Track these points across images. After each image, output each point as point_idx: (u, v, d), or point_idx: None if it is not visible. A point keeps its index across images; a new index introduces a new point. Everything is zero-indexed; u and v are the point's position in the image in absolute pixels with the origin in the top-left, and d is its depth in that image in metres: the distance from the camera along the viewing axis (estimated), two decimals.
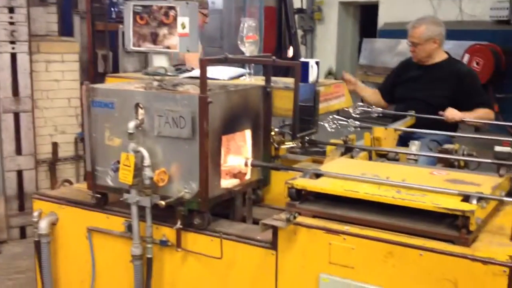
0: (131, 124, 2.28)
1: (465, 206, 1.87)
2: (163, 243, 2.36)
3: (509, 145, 2.81)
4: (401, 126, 3.48)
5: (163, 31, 3.02)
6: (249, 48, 2.79)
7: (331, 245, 2.01)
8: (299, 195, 2.18)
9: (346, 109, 3.56)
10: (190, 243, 2.33)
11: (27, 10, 4.30)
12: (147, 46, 3.05)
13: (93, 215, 2.57)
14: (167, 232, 2.36)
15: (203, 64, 2.17)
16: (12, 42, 4.28)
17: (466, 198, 1.93)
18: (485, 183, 2.13)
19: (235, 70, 2.94)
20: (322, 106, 2.67)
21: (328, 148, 2.78)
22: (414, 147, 3.06)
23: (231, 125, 2.37)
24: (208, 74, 2.89)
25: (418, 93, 3.75)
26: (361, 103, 3.64)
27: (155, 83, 2.59)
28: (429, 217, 1.96)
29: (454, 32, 10.06)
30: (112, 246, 2.53)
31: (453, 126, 3.78)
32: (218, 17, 13.24)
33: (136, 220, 2.35)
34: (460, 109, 3.58)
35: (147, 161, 2.27)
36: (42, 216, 2.67)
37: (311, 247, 2.06)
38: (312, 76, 2.63)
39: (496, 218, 2.11)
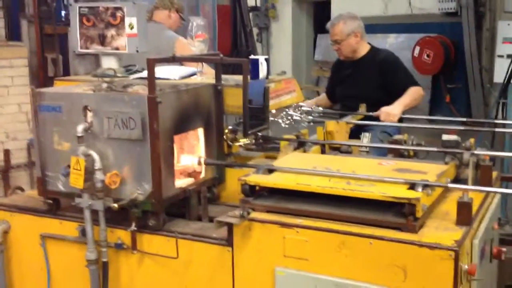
0: (80, 128, 2.26)
1: (411, 194, 1.93)
2: (119, 246, 2.35)
3: (455, 134, 2.92)
4: (353, 119, 3.55)
5: (111, 32, 2.99)
6: (198, 47, 2.80)
7: (285, 238, 2.04)
8: (252, 191, 2.21)
9: (276, 119, 3.59)
10: (146, 244, 2.32)
11: None
12: (95, 48, 3.02)
13: (45, 222, 2.52)
14: (122, 235, 2.34)
15: (150, 63, 2.16)
16: None
17: (412, 186, 1.99)
18: (431, 171, 2.20)
19: (186, 70, 2.94)
20: (274, 102, 2.70)
21: (282, 143, 2.80)
22: (366, 139, 3.14)
23: (182, 124, 2.37)
24: (159, 74, 2.92)
25: (353, 91, 3.83)
26: (302, 104, 3.68)
27: (104, 85, 2.57)
28: (379, 206, 2.01)
29: (405, 25, 10.35)
30: (67, 251, 2.49)
31: (399, 120, 3.87)
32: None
33: (90, 224, 2.32)
34: (393, 96, 3.66)
35: (98, 164, 2.24)
36: None
37: (265, 241, 2.09)
38: (262, 73, 2.66)
39: (442, 204, 2.18)
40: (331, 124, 3.12)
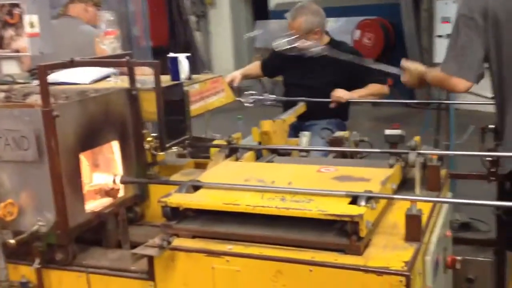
0: None
1: (353, 210, 1.68)
2: (24, 285, 2.01)
3: (399, 127, 2.71)
4: (292, 115, 3.30)
5: (9, 32, 2.61)
6: (110, 46, 2.46)
7: (214, 269, 1.76)
8: (176, 213, 1.91)
9: (238, 99, 3.35)
10: (55, 282, 1.99)
11: None
12: None
13: None
14: (27, 273, 2.00)
15: (41, 71, 1.81)
16: None
17: (355, 199, 1.74)
18: (375, 177, 1.96)
19: (99, 72, 2.58)
20: (199, 105, 2.40)
21: (212, 150, 2.51)
22: (305, 138, 2.88)
23: (91, 139, 2.04)
24: (68, 78, 2.56)
25: (304, 80, 3.58)
26: (253, 92, 3.43)
27: (1, 95, 2.20)
28: (320, 224, 1.75)
29: (343, 8, 10.20)
30: None
31: (344, 112, 3.66)
32: (108, 6, 12.53)
33: None
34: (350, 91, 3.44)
35: None
36: None
37: (192, 273, 1.80)
38: (183, 73, 2.36)
39: (389, 214, 1.94)
40: (267, 124, 2.84)
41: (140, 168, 2.28)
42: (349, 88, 3.47)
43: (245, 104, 3.21)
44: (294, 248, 1.72)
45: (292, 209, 1.74)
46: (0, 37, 2.59)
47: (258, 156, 2.59)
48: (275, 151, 2.63)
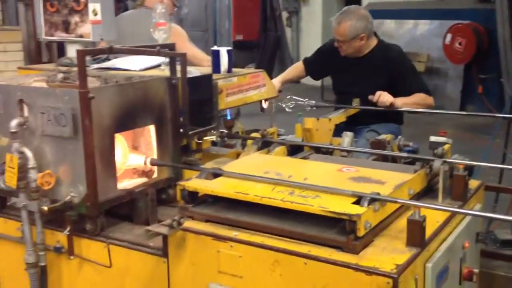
0: (13, 123, 2.11)
1: (352, 209, 1.70)
2: (57, 250, 2.20)
3: (446, 135, 2.65)
4: (341, 115, 3.31)
5: (75, 18, 2.83)
6: (161, 36, 2.60)
7: (219, 252, 1.85)
8: (194, 198, 2.02)
9: (280, 104, 3.40)
10: (84, 249, 2.17)
11: None
12: (59, 35, 2.88)
13: None
14: (62, 238, 2.20)
15: (79, 55, 1.98)
16: None
17: (359, 199, 1.76)
18: (391, 181, 1.96)
19: (151, 60, 2.75)
20: (237, 98, 2.49)
21: (249, 141, 2.60)
22: (347, 138, 2.88)
23: (126, 121, 2.19)
24: (121, 65, 2.75)
25: (353, 88, 3.51)
26: (295, 97, 3.45)
27: (60, 76, 2.41)
28: (325, 221, 1.79)
29: (436, 11, 9.86)
30: (12, 252, 2.37)
31: (397, 116, 3.58)
32: (200, 0, 12.96)
33: (27, 225, 2.18)
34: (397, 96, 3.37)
35: (31, 163, 2.09)
36: None
37: (200, 254, 1.90)
38: (223, 66, 2.46)
39: (402, 219, 1.93)
40: (309, 121, 2.90)
41: (175, 153, 2.41)
42: (395, 95, 3.40)
43: (286, 109, 3.24)
44: (294, 240, 1.77)
45: (295, 203, 1.79)
46: (67, 22, 2.82)
47: (297, 152, 2.63)
48: (318, 149, 2.66)
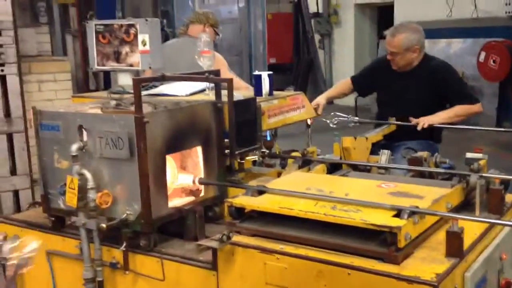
0: (74, 147, 2.29)
1: (393, 222, 1.80)
2: (113, 266, 2.35)
3: (482, 151, 2.72)
4: (378, 133, 3.41)
5: (125, 49, 3.03)
6: (206, 63, 2.77)
7: (266, 264, 1.97)
8: (240, 213, 2.15)
9: (324, 120, 3.53)
10: (139, 265, 2.31)
11: (14, 32, 4.38)
12: (110, 65, 3.08)
13: (51, 238, 2.58)
14: (117, 254, 2.35)
15: (135, 83, 2.15)
16: (1, 65, 4.37)
17: (399, 212, 1.86)
18: (429, 195, 2.05)
19: (197, 86, 2.92)
20: (278, 119, 2.63)
21: (289, 161, 2.72)
22: (384, 156, 2.99)
23: (176, 143, 2.35)
24: (167, 91, 2.92)
25: (399, 100, 3.62)
26: (338, 113, 3.58)
27: (113, 102, 2.59)
28: (365, 233, 1.89)
29: (469, 30, 9.88)
30: (70, 268, 2.53)
31: (436, 134, 3.65)
32: (235, 25, 13.29)
33: (86, 243, 2.34)
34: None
35: (90, 183, 2.26)
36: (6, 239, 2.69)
37: (248, 267, 2.02)
38: (265, 89, 2.60)
39: (441, 231, 2.01)
40: (347, 141, 3.01)
41: (220, 172, 2.55)
42: (441, 107, 3.48)
43: (330, 125, 3.38)
44: (337, 252, 1.87)
45: (338, 217, 1.90)
46: (118, 52, 3.02)
47: (336, 170, 2.75)
48: (355, 166, 2.77)
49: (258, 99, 2.55)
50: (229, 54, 12.24)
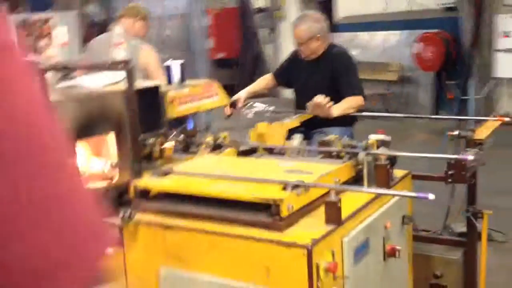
0: None
1: (277, 195, 1.97)
2: None
3: (384, 133, 2.92)
4: (295, 120, 3.59)
5: (44, 41, 3.12)
6: (119, 54, 2.88)
7: (166, 239, 2.11)
8: (145, 194, 2.28)
9: (243, 111, 3.69)
10: None
11: None
12: (29, 58, 3.15)
13: None
14: None
15: (40, 72, 2.25)
16: None
17: (285, 186, 2.03)
18: (319, 171, 2.23)
19: (111, 77, 3.02)
20: (189, 106, 2.77)
21: (203, 145, 2.86)
22: (296, 140, 3.16)
23: (87, 130, 2.45)
24: (84, 82, 3.02)
25: (306, 90, 3.84)
26: (256, 104, 3.74)
27: None
28: (258, 207, 2.05)
29: (405, 22, 10.25)
30: None
31: (346, 120, 3.86)
32: (182, 21, 13.31)
33: None
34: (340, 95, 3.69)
35: None
36: None
37: (151, 242, 2.15)
38: (175, 78, 2.74)
39: None
40: (262, 126, 3.17)
41: (134, 158, 2.67)
42: (336, 93, 3.69)
43: (247, 116, 3.54)
44: (229, 224, 2.03)
45: (230, 193, 2.05)
46: (35, 46, 3.10)
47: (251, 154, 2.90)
48: (269, 151, 2.94)
49: (169, 87, 2.68)
50: (177, 49, 12.30)
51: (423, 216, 3.14)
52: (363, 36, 10.87)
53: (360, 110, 3.84)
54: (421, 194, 1.83)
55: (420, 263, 2.70)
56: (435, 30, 9.67)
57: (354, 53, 10.13)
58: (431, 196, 1.65)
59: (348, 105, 3.69)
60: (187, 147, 3.09)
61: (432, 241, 2.85)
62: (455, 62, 9.55)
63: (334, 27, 12.15)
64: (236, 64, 13.75)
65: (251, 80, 13.22)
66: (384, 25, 10.50)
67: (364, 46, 10.69)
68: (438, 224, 3.46)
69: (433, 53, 9.58)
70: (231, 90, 5.06)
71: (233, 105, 3.86)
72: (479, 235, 2.75)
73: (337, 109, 3.61)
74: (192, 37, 11.33)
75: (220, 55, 13.80)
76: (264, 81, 4.27)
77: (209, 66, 11.63)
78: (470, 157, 2.31)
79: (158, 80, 3.34)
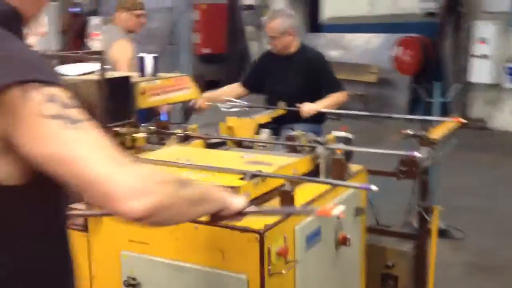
0: None
1: (235, 183, 2.08)
2: None
3: (347, 130, 3.06)
4: (265, 116, 3.71)
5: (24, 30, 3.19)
6: (95, 44, 2.98)
7: (128, 226, 2.20)
8: None
9: (218, 105, 3.81)
10: None
11: None
12: None
13: None
14: None
15: None
16: None
17: (244, 176, 2.15)
18: (278, 163, 2.36)
19: (89, 67, 3.11)
20: (161, 98, 2.87)
21: (173, 136, 2.97)
22: (264, 135, 3.29)
23: None
24: (64, 72, 3.10)
25: (279, 86, 3.98)
26: (232, 99, 3.86)
27: None
28: None
29: (387, 25, 10.42)
30: None
31: (319, 117, 4.00)
32: (169, 14, 13.34)
33: None
34: (317, 96, 3.82)
35: None
36: None
37: (113, 227, 2.25)
38: (147, 70, 2.84)
39: None
40: (231, 120, 3.28)
41: None
42: (316, 93, 3.84)
43: (222, 109, 3.65)
44: None
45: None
46: None
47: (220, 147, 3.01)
48: (239, 144, 3.05)
49: (140, 79, 2.78)
50: (163, 42, 12.31)
51: (388, 213, 3.28)
52: (347, 37, 11.03)
53: (340, 107, 4.01)
54: (364, 185, 1.97)
55: (373, 253, 2.84)
56: (415, 35, 9.86)
57: (336, 53, 10.41)
58: (374, 187, 1.78)
59: (333, 101, 3.84)
60: (162, 139, 3.20)
61: (386, 234, 2.98)
62: (433, 67, 9.74)
63: (319, 27, 12.34)
64: (222, 60, 13.84)
65: (237, 76, 13.34)
66: (368, 28, 10.67)
67: (348, 47, 10.86)
68: (401, 220, 3.61)
69: (411, 57, 9.77)
70: (216, 85, 5.17)
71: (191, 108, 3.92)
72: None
73: (322, 105, 3.76)
74: (178, 31, 11.40)
75: (206, 51, 13.89)
76: (232, 90, 4.30)
77: (194, 60, 11.72)
78: (418, 154, 2.45)
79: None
